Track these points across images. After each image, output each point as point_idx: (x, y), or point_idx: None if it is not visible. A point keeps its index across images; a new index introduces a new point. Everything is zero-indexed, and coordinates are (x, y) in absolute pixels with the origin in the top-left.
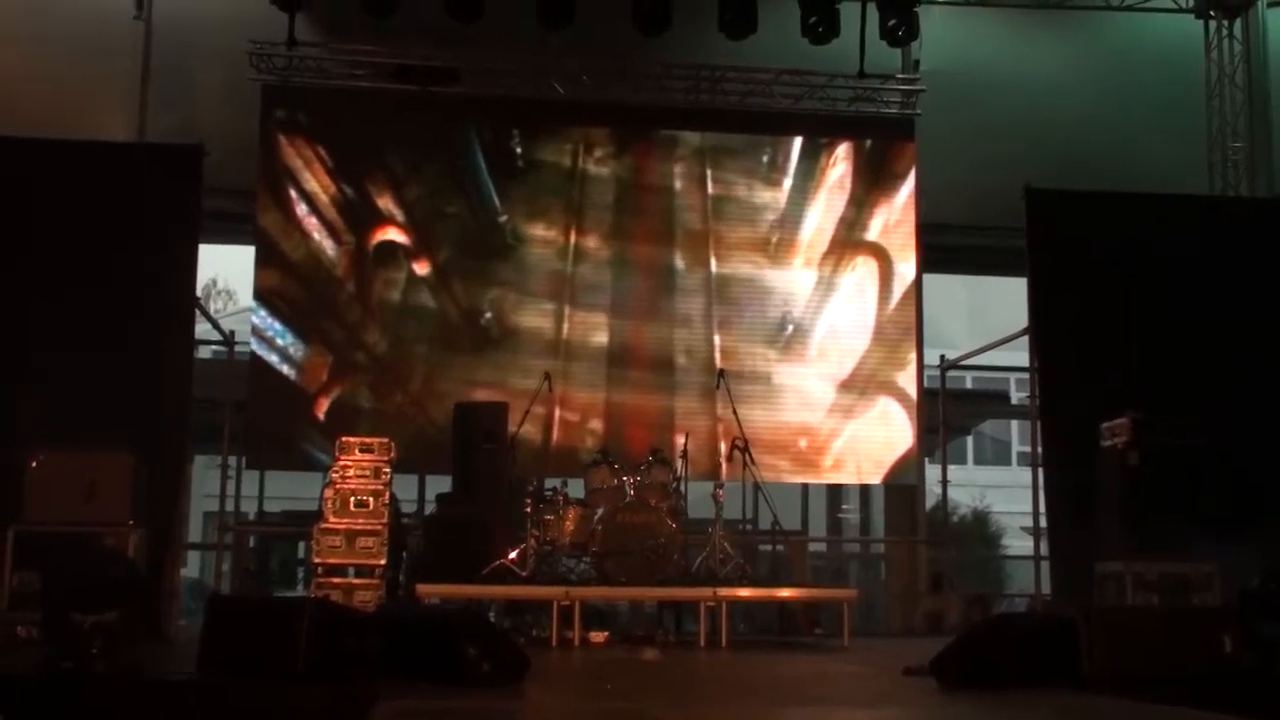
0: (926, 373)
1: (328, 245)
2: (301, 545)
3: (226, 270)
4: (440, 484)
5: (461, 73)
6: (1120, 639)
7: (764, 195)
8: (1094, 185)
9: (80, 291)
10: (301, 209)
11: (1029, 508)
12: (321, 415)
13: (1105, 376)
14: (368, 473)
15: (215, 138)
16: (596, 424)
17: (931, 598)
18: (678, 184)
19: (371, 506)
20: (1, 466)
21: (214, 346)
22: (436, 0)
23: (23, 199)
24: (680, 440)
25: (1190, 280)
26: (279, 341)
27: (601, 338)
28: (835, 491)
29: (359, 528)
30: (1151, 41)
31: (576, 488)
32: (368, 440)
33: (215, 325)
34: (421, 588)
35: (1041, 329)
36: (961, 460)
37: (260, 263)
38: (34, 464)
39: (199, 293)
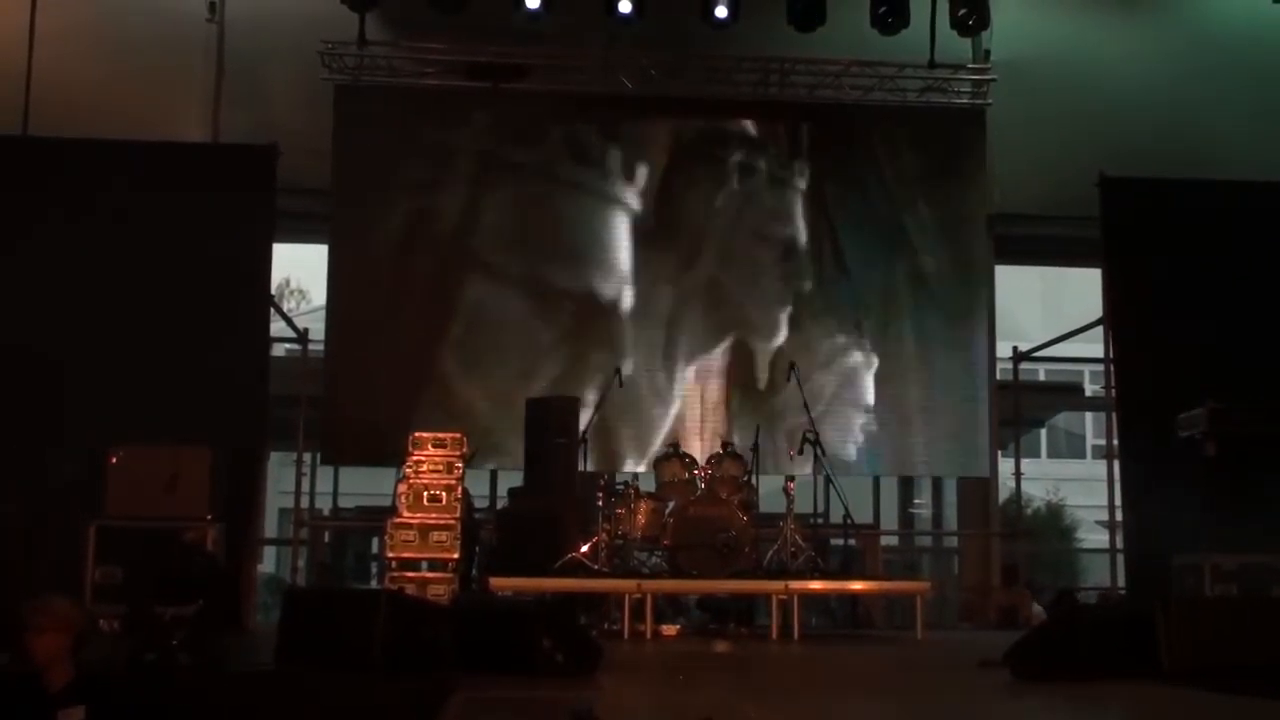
0: (999, 364)
1: (401, 242)
2: (375, 540)
3: (300, 269)
4: (512, 479)
5: (530, 69)
6: (1200, 630)
7: (834, 186)
8: (1170, 173)
9: (157, 290)
10: (374, 206)
11: (1104, 501)
12: (395, 411)
13: (1182, 367)
14: (440, 468)
15: (289, 137)
16: (668, 417)
17: (1005, 591)
18: (745, 176)
19: (444, 501)
20: (83, 462)
21: (288, 344)
22: None
23: (101, 199)
24: (751, 433)
25: (1271, 268)
26: (353, 338)
27: (673, 331)
28: (907, 485)
29: (432, 522)
30: (1230, 23)
31: (648, 482)
32: (440, 435)
33: (290, 323)
34: (494, 581)
35: (1117, 319)
36: (1035, 453)
37: (334, 261)
38: (114, 459)
39: (273, 291)
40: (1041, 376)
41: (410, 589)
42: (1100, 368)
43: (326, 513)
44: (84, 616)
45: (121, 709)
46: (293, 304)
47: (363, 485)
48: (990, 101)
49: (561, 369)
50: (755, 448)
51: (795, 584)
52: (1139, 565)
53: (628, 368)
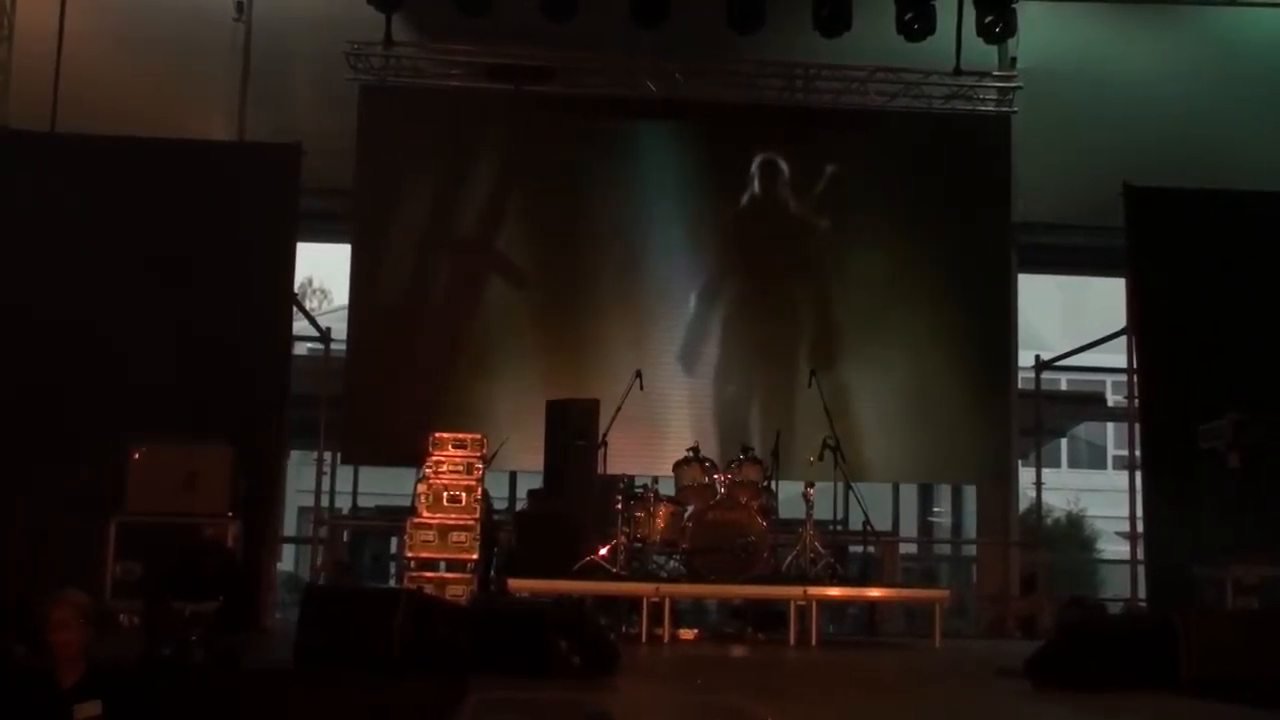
0: (1021, 374)
1: (423, 243)
2: (394, 540)
3: (323, 269)
4: (531, 480)
5: (553, 71)
6: (1220, 643)
7: (858, 192)
8: (1195, 183)
9: (181, 288)
10: (397, 207)
11: (1125, 512)
12: (415, 411)
13: (1205, 378)
14: (460, 468)
15: (313, 137)
16: (688, 421)
17: (1023, 600)
18: (768, 181)
19: (464, 502)
20: (104, 459)
21: (310, 344)
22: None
23: (126, 197)
24: (772, 438)
25: None
26: (374, 338)
27: (694, 333)
28: (927, 493)
29: (451, 523)
30: (1255, 35)
31: (667, 485)
32: (461, 436)
33: (312, 322)
34: (513, 583)
35: (1140, 329)
36: (1055, 463)
37: (357, 261)
38: (136, 456)
39: (296, 290)
40: (1063, 386)
41: (428, 589)
42: (1123, 378)
43: (346, 512)
44: (99, 611)
45: (139, 704)
46: (315, 304)
47: (382, 485)
48: (1015, 109)
49: (582, 371)
50: (775, 453)
51: (814, 590)
52: (1159, 577)
53: (649, 370)
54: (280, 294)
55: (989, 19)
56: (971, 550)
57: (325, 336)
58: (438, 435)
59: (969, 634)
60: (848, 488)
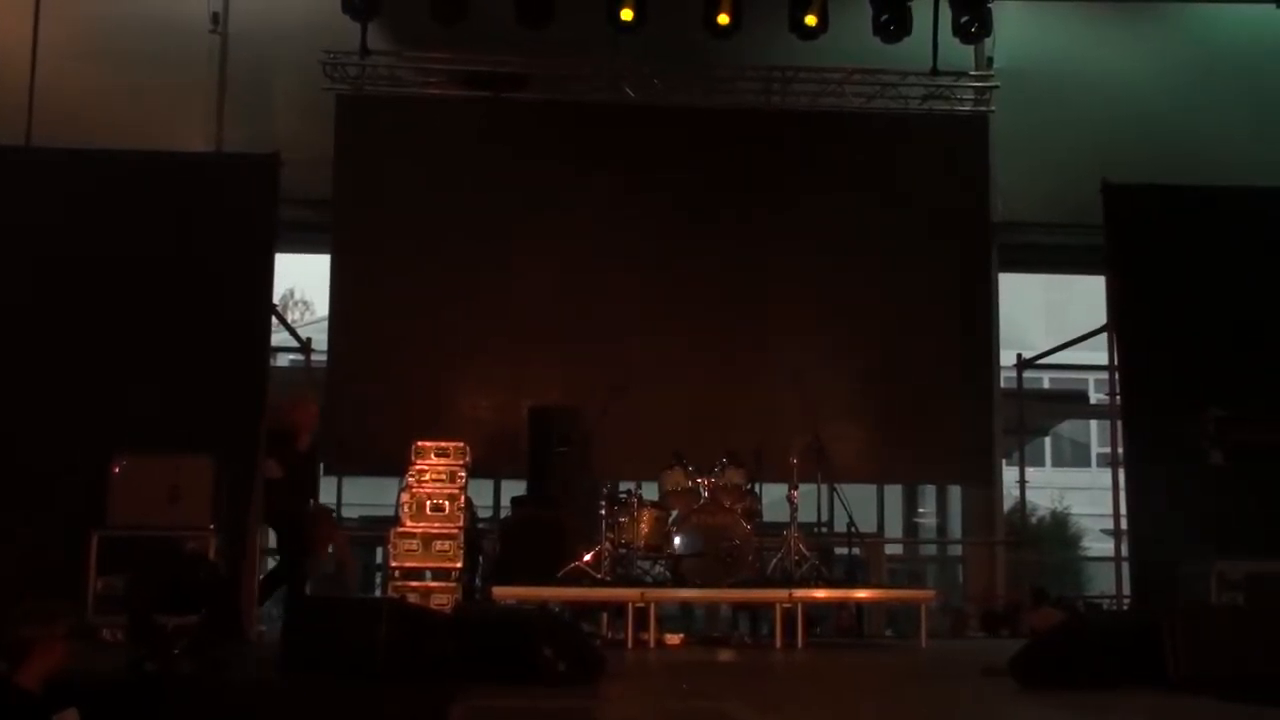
0: (1003, 372)
1: (403, 251)
2: (379, 550)
3: (304, 281)
4: (515, 487)
5: (528, 78)
6: (1206, 639)
7: (837, 194)
8: (1174, 179)
9: (160, 300)
10: (377, 216)
11: (1109, 510)
12: (398, 421)
13: (1187, 375)
14: (443, 477)
15: (291, 147)
16: (671, 426)
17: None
18: (751, 184)
19: (447, 510)
20: (85, 471)
21: (291, 355)
22: (507, 6)
23: (103, 210)
24: (755, 442)
25: (1275, 274)
26: (355, 348)
27: (676, 338)
28: (911, 495)
29: (435, 531)
30: (1233, 32)
31: (651, 490)
32: (443, 444)
33: (293, 333)
34: (497, 590)
35: (1121, 326)
36: (1039, 462)
37: (336, 270)
38: (116, 469)
39: (276, 302)
40: (1045, 385)
41: (413, 598)
42: (1104, 375)
43: None
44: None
45: (112, 712)
46: (297, 315)
47: (366, 495)
48: (993, 109)
49: (565, 377)
50: (758, 456)
51: (799, 592)
52: (1144, 573)
53: (631, 376)
54: (260, 305)
55: (965, 19)
56: (958, 550)
57: (306, 347)
58: (420, 444)
59: (961, 634)
60: (832, 490)
